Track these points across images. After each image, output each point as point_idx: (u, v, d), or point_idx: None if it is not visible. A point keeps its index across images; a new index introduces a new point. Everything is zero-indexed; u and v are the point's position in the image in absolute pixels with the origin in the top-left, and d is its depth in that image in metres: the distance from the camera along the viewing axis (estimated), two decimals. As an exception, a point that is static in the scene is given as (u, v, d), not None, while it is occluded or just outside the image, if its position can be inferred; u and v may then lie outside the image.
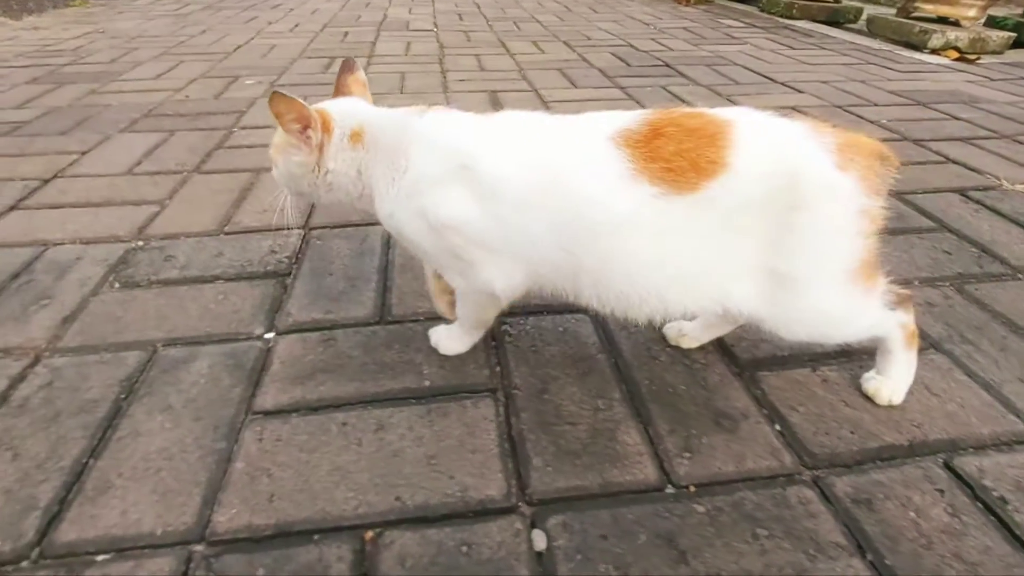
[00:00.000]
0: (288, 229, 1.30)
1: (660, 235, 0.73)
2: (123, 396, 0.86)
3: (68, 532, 0.67)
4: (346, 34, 3.50)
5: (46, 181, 1.56)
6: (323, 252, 1.23)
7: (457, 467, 0.75)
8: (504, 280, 0.80)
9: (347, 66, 0.95)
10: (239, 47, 3.14)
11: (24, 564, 0.64)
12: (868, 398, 0.86)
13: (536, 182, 0.75)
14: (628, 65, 2.83)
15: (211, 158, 1.70)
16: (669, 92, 2.39)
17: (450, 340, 0.94)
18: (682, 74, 2.68)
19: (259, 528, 0.67)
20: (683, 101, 2.26)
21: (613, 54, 3.05)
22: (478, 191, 0.75)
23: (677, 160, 0.70)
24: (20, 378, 0.90)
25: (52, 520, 0.69)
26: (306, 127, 0.80)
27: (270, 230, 1.31)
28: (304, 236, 1.29)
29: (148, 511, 0.70)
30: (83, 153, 1.74)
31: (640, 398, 0.86)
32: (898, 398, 0.86)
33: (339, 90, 0.94)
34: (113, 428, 0.81)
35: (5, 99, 2.27)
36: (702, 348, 0.96)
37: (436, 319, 1.02)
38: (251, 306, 1.07)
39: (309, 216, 1.37)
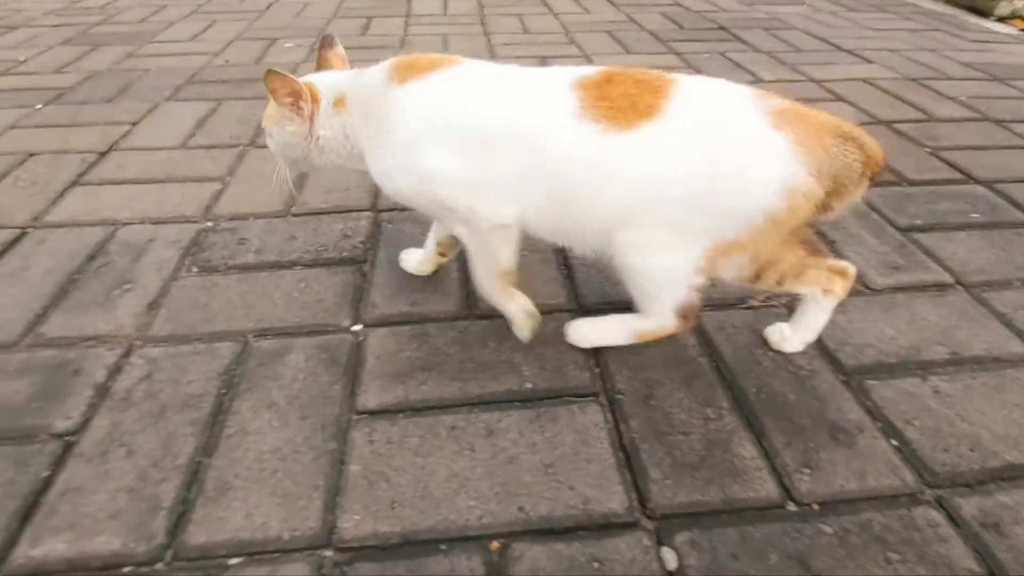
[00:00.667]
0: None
1: (602, 170, 0.78)
2: (224, 391, 0.87)
3: (197, 534, 0.69)
4: (380, -10, 3.38)
5: (102, 154, 1.54)
6: (397, 237, 1.21)
7: (575, 477, 0.74)
8: (497, 214, 0.84)
9: (327, 42, 1.04)
10: (271, 5, 3.03)
11: (159, 566, 0.66)
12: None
13: (501, 124, 0.81)
14: (681, 27, 2.70)
15: (264, 131, 1.66)
16: (729, 59, 2.28)
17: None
18: (739, 38, 2.55)
19: (386, 536, 0.68)
20: (745, 70, 2.16)
21: (663, 14, 2.90)
22: (454, 141, 0.82)
23: (620, 101, 0.76)
24: (117, 368, 0.91)
25: (178, 521, 0.70)
26: (297, 100, 0.87)
27: (339, 212, 1.29)
28: (375, 219, 1.27)
29: (272, 515, 0.70)
30: (133, 124, 1.71)
31: (750, 407, 0.85)
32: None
33: (321, 64, 1.02)
34: (221, 425, 0.82)
35: (43, 62, 2.22)
36: (805, 353, 0.94)
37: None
38: (334, 295, 1.05)
39: (376, 197, 1.34)
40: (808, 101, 1.85)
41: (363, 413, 0.83)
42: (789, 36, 2.60)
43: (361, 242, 1.19)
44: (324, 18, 2.79)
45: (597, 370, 0.90)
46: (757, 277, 0.85)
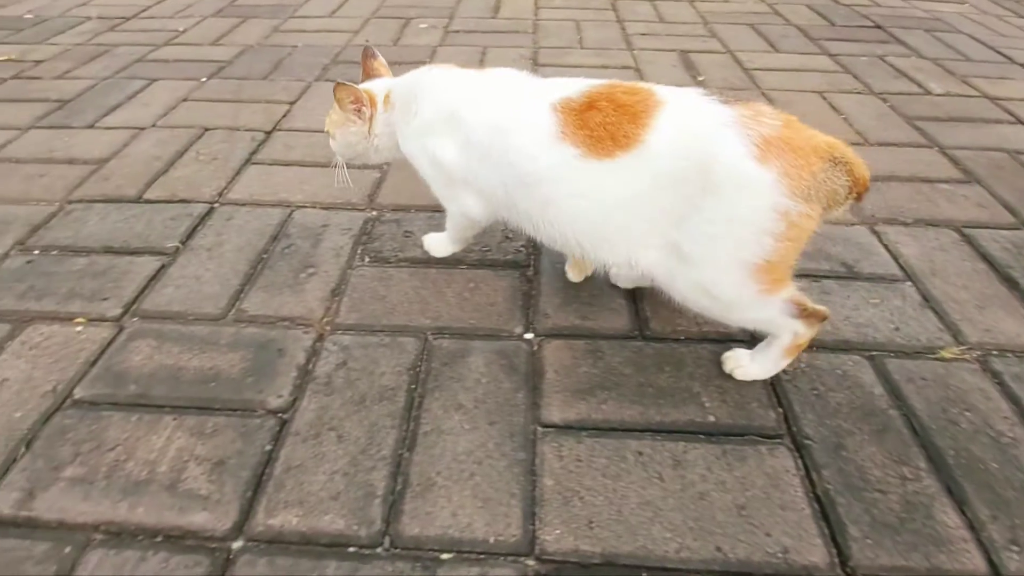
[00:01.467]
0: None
1: (578, 192, 0.85)
2: (414, 386, 0.93)
3: (411, 526, 0.75)
4: (503, -32, 3.36)
5: (268, 133, 1.66)
6: (557, 244, 1.24)
7: (770, 523, 0.75)
8: (472, 210, 1.01)
9: (368, 53, 1.17)
10: (399, -20, 3.11)
11: (379, 550, 0.73)
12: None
13: (490, 136, 0.91)
14: (831, 24, 2.52)
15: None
16: (890, 65, 2.11)
17: (436, 244, 1.17)
18: (898, 39, 2.35)
19: (587, 555, 0.72)
20: (909, 79, 2.00)
21: (810, 7, 2.72)
22: (457, 139, 0.95)
23: (599, 130, 0.81)
24: (314, 352, 1.00)
25: (392, 510, 0.77)
26: (360, 106, 1.03)
27: (496, 211, 1.33)
28: (533, 222, 1.30)
29: (476, 517, 0.76)
30: (291, 103, 1.82)
31: (949, 471, 0.82)
32: (740, 375, 0.92)
33: (367, 73, 1.15)
34: (416, 421, 0.88)
35: (200, 34, 2.40)
36: (1006, 418, 0.89)
37: (698, 340, 1.01)
38: (504, 300, 1.10)
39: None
40: (984, 123, 1.76)
41: (548, 426, 0.87)
42: (955, 41, 2.37)
43: (522, 246, 1.22)
44: (453, -3, 2.83)
45: (781, 410, 0.89)
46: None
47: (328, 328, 1.04)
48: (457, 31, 2.39)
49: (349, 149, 1.09)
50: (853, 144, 1.56)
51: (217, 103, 1.82)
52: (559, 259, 1.18)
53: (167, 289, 1.13)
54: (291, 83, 1.94)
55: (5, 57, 2.18)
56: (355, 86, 1.02)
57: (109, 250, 1.23)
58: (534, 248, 1.22)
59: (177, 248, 1.23)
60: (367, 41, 2.29)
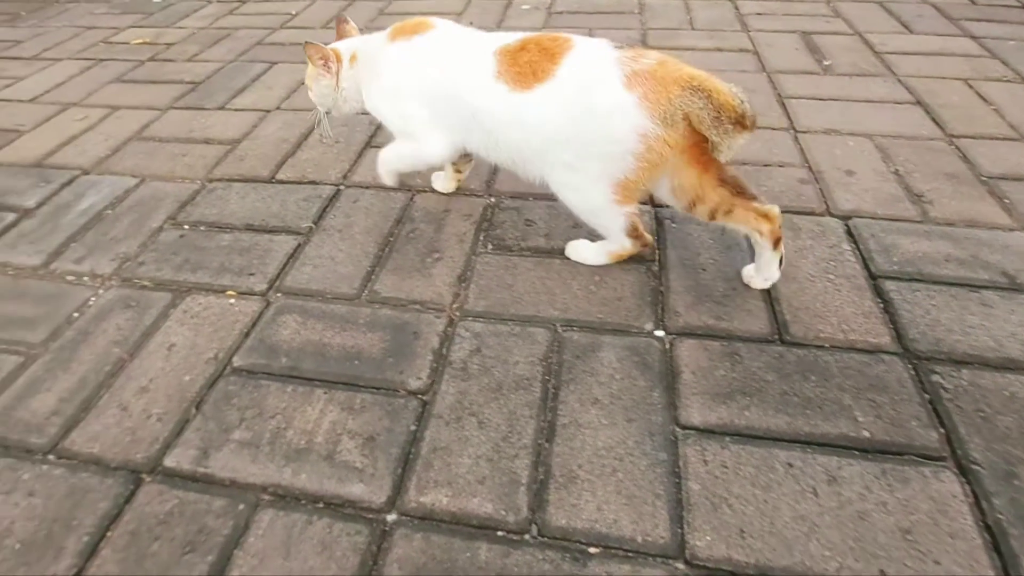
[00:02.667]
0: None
1: (509, 120, 1.03)
2: (547, 377, 0.95)
3: (557, 516, 0.77)
4: (602, -56, 3.26)
5: (384, 116, 1.71)
6: (683, 239, 1.20)
7: (939, 551, 0.71)
8: (438, 147, 1.16)
9: (341, 20, 1.33)
10: (497, -41, 3.08)
11: (527, 537, 0.75)
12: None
13: (447, 83, 1.09)
14: (972, 2, 2.28)
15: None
16: (1048, 49, 1.89)
17: (387, 175, 1.30)
18: (1056, 19, 2.10)
19: (741, 565, 0.71)
20: (1073, 64, 1.78)
21: (946, -17, 2.47)
22: (418, 91, 1.13)
23: (526, 68, 0.99)
24: (447, 337, 1.03)
25: (537, 499, 0.79)
26: (327, 62, 1.20)
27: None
28: (655, 215, 1.27)
29: (622, 514, 0.77)
30: (403, 86, 1.87)
31: None
32: (570, 252, 1.16)
33: (340, 36, 1.30)
34: (553, 412, 0.89)
35: (311, 17, 2.49)
36: None
37: (844, 348, 0.96)
38: (631, 295, 1.09)
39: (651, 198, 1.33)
40: None
41: (688, 428, 0.86)
42: None
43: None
44: (552, -24, 2.78)
45: (943, 431, 0.84)
46: (691, 208, 1.02)
47: (458, 314, 1.07)
48: (560, 12, 2.35)
49: (324, 99, 1.26)
50: (1008, 140, 1.45)
51: (334, 86, 1.89)
52: (688, 255, 1.16)
53: (305, 268, 1.20)
54: (401, 66, 1.99)
55: (141, 40, 2.36)
56: (322, 45, 1.20)
57: (250, 228, 1.32)
58: (659, 241, 1.20)
59: (311, 228, 1.30)
60: (471, 23, 2.31)
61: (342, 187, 1.42)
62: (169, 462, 0.87)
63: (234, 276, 1.19)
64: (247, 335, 1.06)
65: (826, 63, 1.87)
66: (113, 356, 1.04)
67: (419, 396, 0.93)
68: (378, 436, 0.87)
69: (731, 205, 0.99)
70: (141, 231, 1.33)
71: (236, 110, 1.79)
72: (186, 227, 1.33)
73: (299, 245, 1.25)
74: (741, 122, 0.90)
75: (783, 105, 1.65)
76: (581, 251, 1.15)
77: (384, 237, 1.26)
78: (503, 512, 0.77)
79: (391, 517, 0.78)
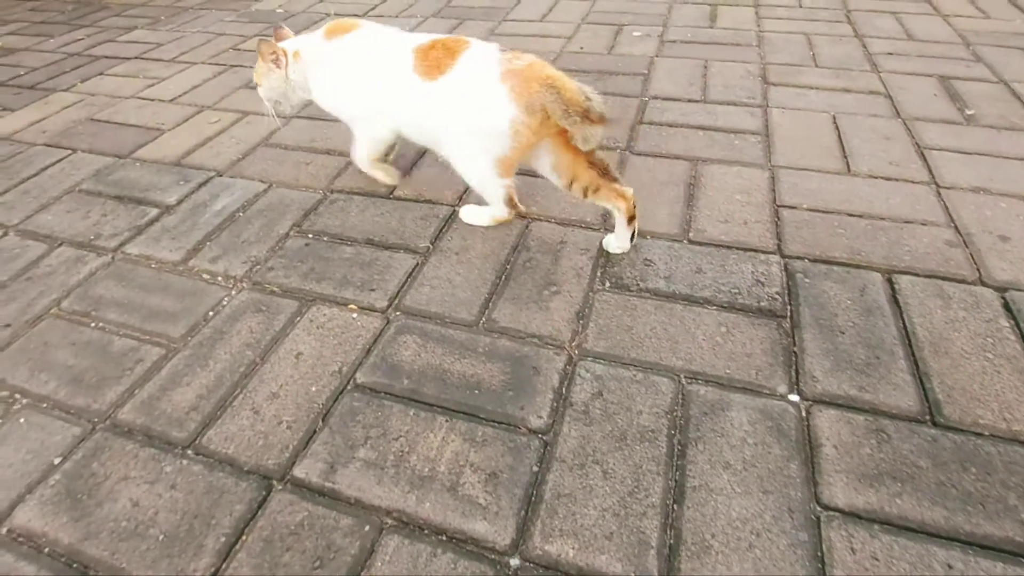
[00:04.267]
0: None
1: (423, 109, 1.23)
2: (674, 432, 0.92)
3: (690, 588, 0.74)
4: (714, -29, 3.21)
5: (497, 139, 1.75)
6: (817, 296, 1.15)
7: None
8: (381, 129, 1.39)
9: (277, 28, 1.53)
10: (605, -17, 3.10)
11: (657, 605, 0.73)
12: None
13: (378, 74, 1.29)
14: None
15: (639, 135, 1.71)
16: None
17: (360, 162, 1.52)
18: None
19: (899, 676, 0.66)
20: None
21: (1108, 29, 2.26)
22: (353, 85, 1.35)
23: (433, 60, 1.20)
24: (567, 376, 1.02)
25: (668, 566, 0.76)
26: (277, 57, 1.42)
27: (742, 248, 1.27)
28: (785, 266, 1.22)
29: (760, 596, 0.73)
30: (515, 109, 1.90)
31: None
32: (464, 215, 1.40)
33: (279, 39, 1.49)
34: (682, 471, 0.87)
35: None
36: None
37: (1007, 440, 0.87)
38: (761, 352, 1.04)
39: (781, 239, 1.28)
40: None
41: (832, 509, 0.81)
42: None
43: (777, 293, 1.16)
44: (663, 3, 2.76)
45: None
46: (570, 187, 1.22)
47: (577, 352, 1.06)
48: (673, 41, 2.33)
49: (273, 92, 1.47)
50: None
51: (447, 105, 1.95)
52: (823, 315, 1.10)
53: (424, 288, 1.23)
54: (513, 89, 2.03)
55: (267, 49, 2.53)
56: (273, 42, 1.42)
57: (370, 242, 1.37)
58: (790, 296, 1.15)
59: (428, 248, 1.33)
60: (581, 48, 2.33)
61: (458, 209, 1.45)
62: (299, 472, 0.90)
63: (356, 290, 1.23)
64: (369, 351, 1.09)
65: (968, 112, 1.75)
66: (246, 358, 1.10)
67: (540, 436, 0.93)
68: (501, 473, 0.87)
69: (598, 185, 1.19)
70: (270, 236, 1.41)
71: (355, 123, 1.88)
72: (310, 236, 1.40)
73: (417, 264, 1.29)
74: (587, 116, 1.09)
75: (923, 156, 1.55)
76: (471, 214, 1.40)
77: (501, 264, 1.27)
78: (633, 575, 0.75)
79: (515, 562, 0.78)
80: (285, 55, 1.43)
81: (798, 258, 1.23)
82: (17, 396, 1.07)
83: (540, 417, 0.95)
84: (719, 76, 2.02)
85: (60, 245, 1.43)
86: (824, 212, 1.36)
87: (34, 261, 1.39)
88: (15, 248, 1.44)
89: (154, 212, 1.53)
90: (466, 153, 1.24)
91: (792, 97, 1.87)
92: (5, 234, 1.49)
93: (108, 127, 1.97)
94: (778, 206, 1.39)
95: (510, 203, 1.31)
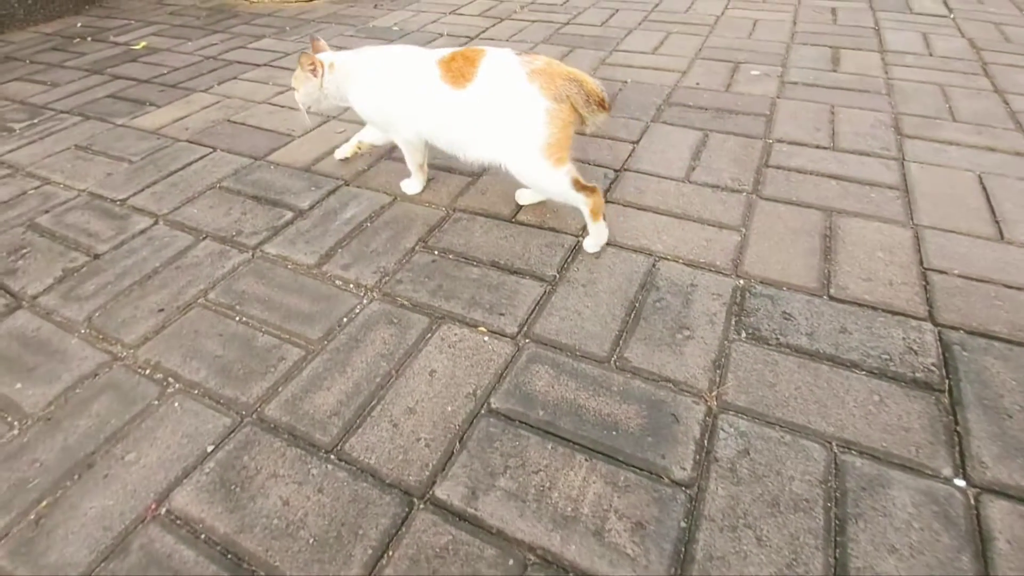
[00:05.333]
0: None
1: (455, 114, 1.36)
2: (830, 505, 0.88)
3: None
4: (834, 11, 3.13)
5: (617, 172, 1.75)
6: (979, 372, 1.07)
7: None
8: (406, 134, 1.53)
9: (314, 39, 1.66)
10: (717, 19, 3.07)
11: None
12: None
13: (406, 88, 1.43)
14: None
15: (765, 179, 1.67)
16: None
17: (408, 184, 1.69)
18: None
19: None
20: None
21: None
22: (385, 94, 1.48)
23: (457, 72, 1.34)
24: (708, 428, 1.00)
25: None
26: (315, 68, 1.55)
27: (889, 311, 1.21)
28: (939, 336, 1.15)
29: None
30: (634, 143, 1.89)
31: None
32: (591, 248, 1.43)
33: (315, 51, 1.63)
34: (843, 550, 0.82)
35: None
36: None
37: None
38: (920, 427, 0.99)
39: (932, 305, 1.21)
40: None
41: (1019, 617, 0.75)
42: None
43: (933, 365, 1.09)
44: (780, 42, 2.71)
45: None
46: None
47: (717, 404, 1.04)
48: (794, 83, 2.27)
49: (308, 97, 1.61)
50: None
51: (564, 132, 1.97)
52: (987, 394, 1.03)
53: (553, 318, 1.23)
54: (630, 121, 2.03)
55: (386, 64, 2.65)
56: (313, 55, 1.56)
57: (496, 265, 1.39)
58: (947, 369, 1.08)
59: (555, 277, 1.34)
60: (697, 84, 2.31)
61: (582, 239, 1.46)
62: (440, 494, 0.91)
63: (485, 312, 1.25)
64: (502, 377, 1.10)
65: None
66: (382, 369, 1.13)
67: (685, 489, 0.90)
68: (647, 524, 0.86)
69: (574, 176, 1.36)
70: (397, 248, 1.46)
71: (474, 143, 1.93)
72: (436, 252, 1.44)
73: (545, 292, 1.30)
74: (602, 104, 1.29)
75: (1088, 229, 1.44)
76: (591, 242, 1.43)
77: (630, 301, 1.26)
78: (796, 655, 0.72)
79: (665, 620, 0.76)
80: (321, 66, 1.56)
81: (953, 328, 1.16)
82: (171, 380, 1.15)
83: (684, 469, 0.93)
84: (848, 123, 1.95)
85: (205, 238, 1.54)
86: (978, 280, 1.28)
87: (182, 251, 1.50)
88: (165, 237, 1.55)
89: (289, 215, 1.61)
90: (516, 152, 1.32)
91: (931, 152, 1.78)
92: (156, 222, 1.61)
93: (243, 129, 2.11)
94: (925, 269, 1.32)
95: (579, 187, 1.34)
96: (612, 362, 1.12)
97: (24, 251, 1.52)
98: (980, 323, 1.18)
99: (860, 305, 1.23)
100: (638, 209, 1.56)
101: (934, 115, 2.01)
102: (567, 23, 3.10)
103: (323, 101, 1.62)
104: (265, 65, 2.71)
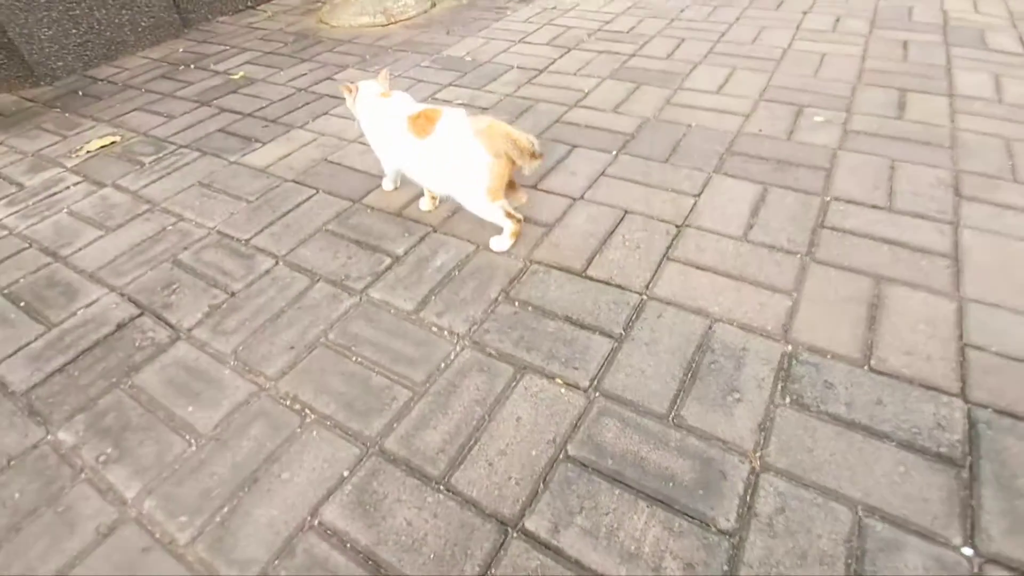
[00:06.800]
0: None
1: (418, 157, 1.83)
2: (851, 562, 1.09)
3: None
4: (905, 45, 3.18)
5: (679, 227, 1.95)
6: (999, 452, 1.24)
7: None
8: (389, 165, 2.12)
9: (379, 72, 2.23)
10: (784, 52, 3.17)
11: None
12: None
13: (386, 130, 1.92)
14: None
15: (819, 241, 1.84)
16: None
17: (497, 241, 1.93)
18: None
19: None
20: None
21: None
22: (375, 131, 2.00)
23: (421, 126, 1.77)
24: (750, 485, 1.22)
25: None
26: (351, 91, 2.03)
27: (925, 386, 1.38)
28: (968, 413, 1.32)
29: None
30: (695, 196, 2.08)
31: None
32: (496, 247, 1.91)
33: (380, 79, 2.08)
34: (857, 599, 1.04)
35: (602, 98, 2.83)
36: None
37: None
38: (938, 498, 1.17)
39: (965, 382, 1.38)
40: None
41: (1001, 667, 0.94)
42: None
43: (958, 441, 1.27)
44: (846, 83, 2.80)
45: None
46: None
47: (760, 465, 1.25)
48: (857, 131, 2.39)
49: (353, 111, 2.08)
50: None
51: (630, 184, 2.17)
52: (1004, 473, 1.20)
53: (619, 374, 1.47)
54: (692, 172, 2.21)
55: (460, 102, 2.91)
56: (349, 83, 2.05)
57: (569, 320, 1.63)
58: (971, 446, 1.25)
59: (621, 335, 1.58)
60: (759, 130, 2.46)
61: (646, 297, 1.68)
62: (529, 525, 1.18)
63: (561, 365, 1.50)
64: (577, 427, 1.35)
65: None
66: (476, 414, 1.40)
67: (729, 538, 1.13)
68: (696, 566, 1.09)
69: (508, 195, 1.82)
70: (482, 298, 1.72)
71: (547, 192, 2.17)
72: (517, 304, 1.70)
73: (612, 349, 1.53)
74: (533, 155, 1.70)
75: None
76: (498, 243, 1.90)
77: (687, 362, 1.48)
78: None
79: (708, 643, 0.99)
80: (356, 90, 2.05)
81: (982, 406, 1.33)
82: (307, 411, 1.45)
83: (728, 520, 1.16)
84: (907, 180, 2.07)
85: (319, 281, 1.85)
86: (1015, 360, 1.43)
87: (302, 292, 1.81)
88: (286, 278, 1.87)
89: (387, 260, 1.90)
90: (465, 189, 1.79)
91: (987, 217, 1.89)
92: (277, 263, 1.94)
93: (340, 170, 2.42)
94: (964, 344, 1.47)
95: (508, 216, 1.85)
96: (670, 419, 1.35)
97: (174, 286, 1.88)
98: (1009, 403, 1.33)
99: (897, 378, 1.40)
100: (698, 269, 1.77)
101: (995, 173, 2.10)
102: (633, 55, 3.28)
103: (358, 116, 2.12)
104: (352, 99, 3.02)
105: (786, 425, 1.32)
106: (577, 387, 1.44)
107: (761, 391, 1.40)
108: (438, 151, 1.77)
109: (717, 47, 3.31)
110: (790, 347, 1.51)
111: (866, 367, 1.44)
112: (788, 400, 1.38)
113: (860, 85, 2.78)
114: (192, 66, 3.66)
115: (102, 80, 3.58)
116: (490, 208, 1.81)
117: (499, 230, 1.94)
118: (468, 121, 1.72)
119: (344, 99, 2.23)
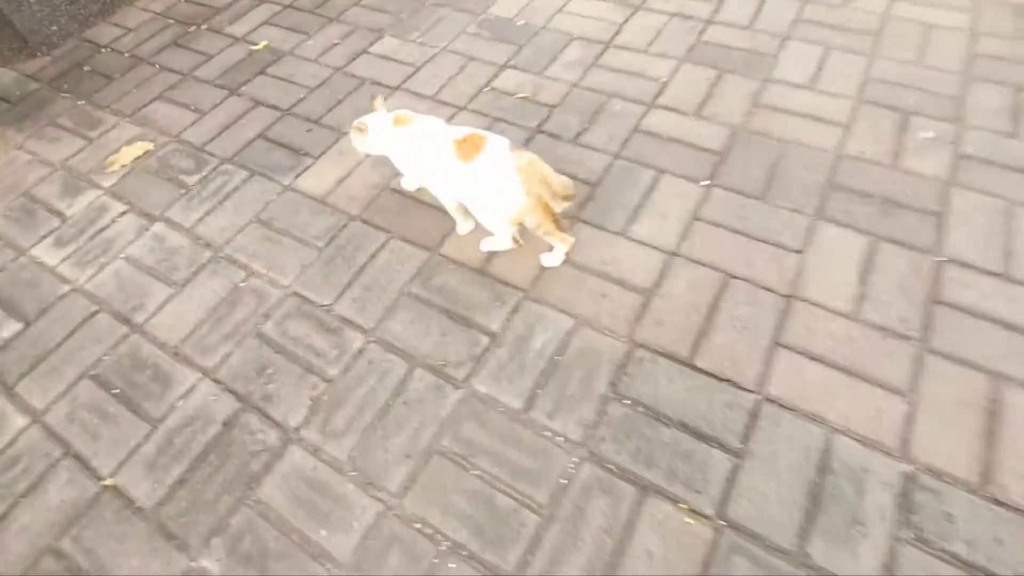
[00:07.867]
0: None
1: (460, 178, 1.86)
2: None
3: None
4: (1017, 11, 2.81)
5: (785, 300, 1.88)
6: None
7: None
8: (412, 181, 2.31)
9: (374, 100, 2.31)
10: (882, 21, 2.80)
11: None
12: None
13: (424, 154, 1.95)
14: None
15: (933, 321, 1.78)
16: None
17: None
18: None
19: None
20: None
21: None
22: (404, 155, 2.03)
23: (467, 150, 1.81)
24: (880, 637, 1.32)
25: None
26: (363, 131, 2.01)
27: (1042, 520, 1.44)
28: (1085, 555, 1.39)
29: None
30: (798, 252, 1.97)
31: None
32: (485, 248, 2.12)
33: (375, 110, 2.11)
34: None
35: (681, 92, 2.56)
36: None
37: None
38: (1057, 657, 1.28)
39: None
40: None
41: None
42: None
43: (1078, 591, 1.35)
44: (954, 73, 2.51)
45: None
46: (536, 229, 1.89)
47: (886, 612, 1.34)
48: (969, 155, 2.19)
49: (362, 147, 2.08)
50: None
51: (727, 232, 2.04)
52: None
53: (743, 500, 1.51)
54: (793, 216, 2.07)
55: (523, 95, 2.64)
56: (361, 121, 2.01)
57: (685, 427, 1.64)
58: (1088, 596, 1.34)
59: (740, 449, 1.60)
60: (861, 152, 2.27)
61: (760, 398, 1.67)
62: None
63: (683, 487, 1.54)
64: (708, 565, 1.42)
65: None
66: (607, 546, 1.47)
67: None
68: None
69: (551, 231, 1.91)
70: (591, 394, 1.72)
71: (637, 242, 2.05)
72: (627, 403, 1.70)
73: (733, 468, 1.56)
74: (566, 197, 1.87)
75: None
76: (489, 244, 2.09)
77: (809, 484, 1.52)
78: None
79: None
80: (367, 128, 2.08)
81: (1101, 547, 1.39)
82: (439, 537, 1.52)
83: (861, 678, 1.27)
84: (1020, 231, 1.96)
85: (416, 367, 1.82)
86: None
87: (402, 380, 1.80)
88: (381, 361, 1.85)
89: (484, 340, 1.86)
90: (488, 211, 1.90)
91: (1109, 289, 1.82)
92: (368, 341, 1.90)
93: (406, 204, 2.26)
94: (1084, 467, 1.50)
95: (513, 240, 2.04)
96: (797, 558, 1.42)
97: (269, 371, 1.86)
98: (1126, 541, 1.40)
99: (1017, 511, 1.45)
100: (809, 359, 1.73)
101: (1120, 224, 1.98)
102: (710, 20, 2.90)
103: (371, 150, 2.14)
104: (398, 88, 2.74)
105: (908, 565, 1.39)
106: (702, 515, 1.50)
107: (883, 522, 1.46)
108: (478, 177, 1.85)
109: (805, 11, 2.93)
110: (910, 467, 1.54)
111: (984, 495, 1.48)
112: (911, 535, 1.43)
113: (970, 79, 2.51)
114: (203, 26, 3.26)
115: (105, 47, 3.21)
116: (504, 230, 1.98)
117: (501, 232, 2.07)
118: (511, 156, 1.80)
119: (352, 138, 2.04)
